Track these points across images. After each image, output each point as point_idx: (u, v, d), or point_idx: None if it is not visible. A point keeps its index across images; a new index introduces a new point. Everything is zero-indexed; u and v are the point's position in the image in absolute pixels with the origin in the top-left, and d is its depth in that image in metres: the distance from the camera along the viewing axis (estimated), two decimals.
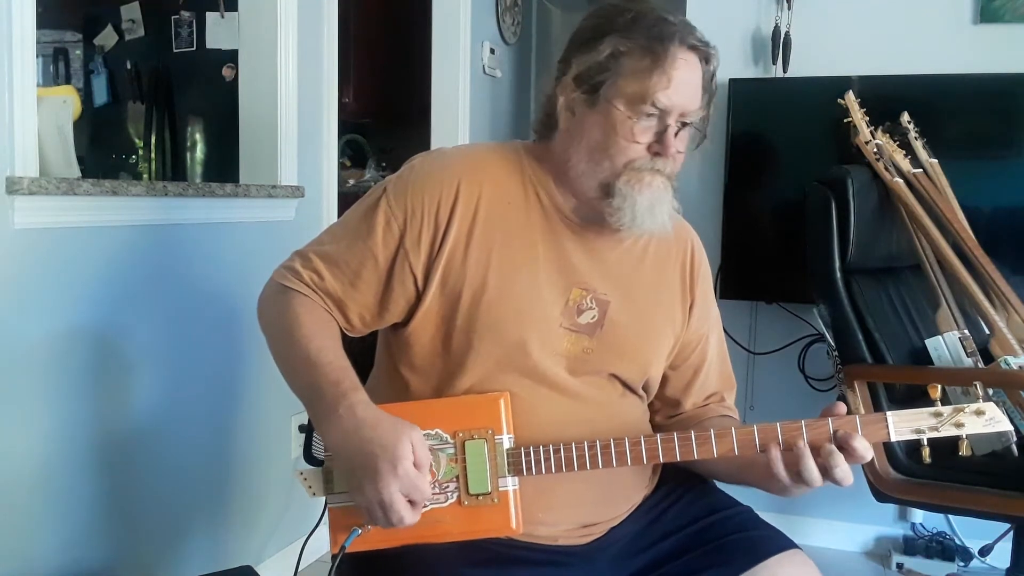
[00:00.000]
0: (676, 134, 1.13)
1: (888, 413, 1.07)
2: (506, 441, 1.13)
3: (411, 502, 1.05)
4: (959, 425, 1.07)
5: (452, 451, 1.12)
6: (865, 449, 1.05)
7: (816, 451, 1.06)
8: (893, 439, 1.08)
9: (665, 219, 1.15)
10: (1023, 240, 2.40)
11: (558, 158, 1.20)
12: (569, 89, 1.16)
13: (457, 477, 1.12)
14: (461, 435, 1.13)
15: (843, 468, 1.04)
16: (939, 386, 1.08)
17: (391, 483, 1.02)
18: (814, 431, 1.07)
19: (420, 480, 1.04)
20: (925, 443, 1.08)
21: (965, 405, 1.07)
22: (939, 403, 1.08)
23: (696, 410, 1.33)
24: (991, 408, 1.07)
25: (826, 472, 1.05)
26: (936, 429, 1.07)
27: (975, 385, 1.09)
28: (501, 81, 3.75)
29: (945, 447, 1.06)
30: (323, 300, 1.19)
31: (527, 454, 1.12)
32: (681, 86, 1.11)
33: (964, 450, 1.09)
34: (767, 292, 2.70)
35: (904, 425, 1.07)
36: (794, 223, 2.31)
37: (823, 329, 2.16)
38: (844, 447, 1.05)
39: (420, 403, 1.18)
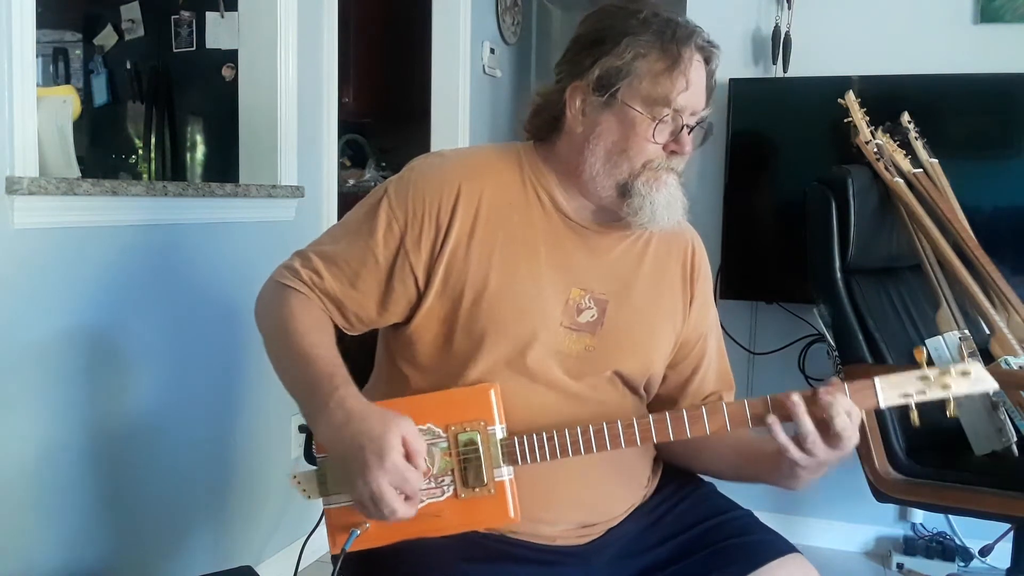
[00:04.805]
0: (689, 132, 1.15)
1: (876, 378, 1.08)
2: (499, 431, 1.13)
3: (405, 496, 1.04)
4: (946, 387, 1.07)
5: (446, 445, 1.12)
6: (850, 405, 1.06)
7: (812, 413, 1.06)
8: (882, 406, 1.08)
9: (680, 215, 1.19)
10: (1023, 240, 2.40)
11: (566, 160, 1.21)
12: (585, 92, 1.16)
13: (452, 470, 1.12)
14: (453, 428, 1.13)
15: (842, 417, 1.04)
16: (924, 349, 1.10)
17: (379, 476, 1.01)
18: (803, 395, 1.08)
19: (409, 472, 1.03)
20: (914, 407, 1.08)
21: (951, 367, 1.08)
22: (925, 366, 1.08)
23: None
24: (977, 368, 1.08)
25: (826, 428, 1.05)
26: (924, 392, 1.08)
27: (961, 346, 1.10)
28: (501, 81, 3.75)
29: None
30: (321, 300, 1.20)
31: (520, 443, 1.12)
32: (694, 87, 1.14)
33: (952, 411, 1.09)
34: (767, 292, 2.70)
35: (892, 390, 1.08)
36: (794, 223, 2.30)
37: (823, 329, 2.16)
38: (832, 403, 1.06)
39: (410, 399, 1.17)
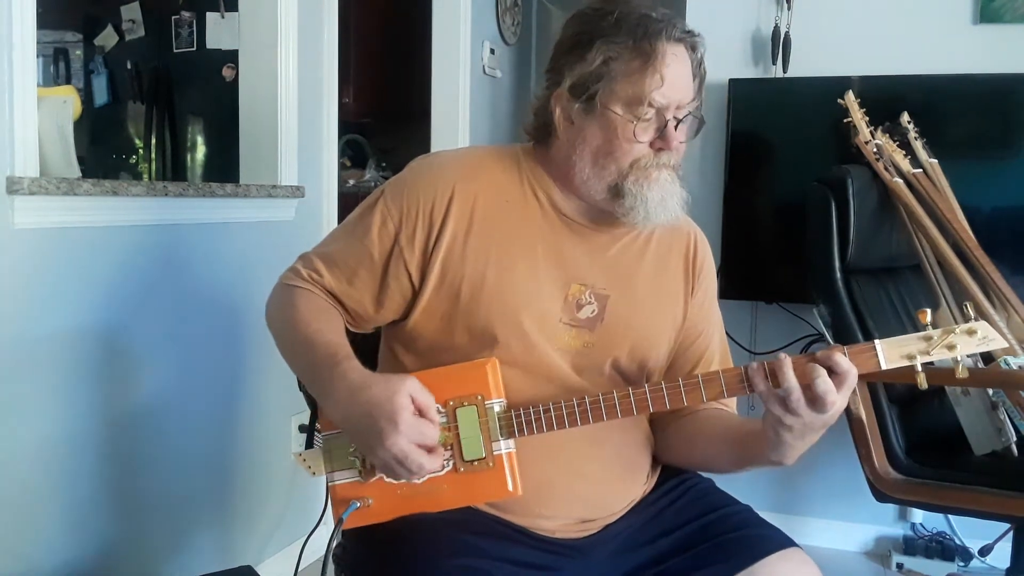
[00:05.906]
0: (675, 127, 1.14)
1: (877, 341, 1.04)
2: (496, 405, 1.13)
3: (428, 450, 1.06)
4: (951, 347, 1.02)
5: (444, 420, 1.13)
6: (848, 366, 1.02)
7: (800, 376, 1.03)
8: (884, 367, 1.03)
9: (677, 210, 1.18)
10: (1023, 240, 2.40)
11: (560, 164, 1.21)
12: (564, 99, 1.17)
13: (452, 445, 1.13)
14: (452, 403, 1.13)
15: (824, 379, 1.01)
16: (928, 311, 1.05)
17: (397, 438, 1.03)
18: (799, 360, 1.05)
19: (425, 425, 1.05)
20: (919, 369, 1.03)
21: (955, 326, 1.02)
22: (929, 327, 1.04)
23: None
24: (983, 327, 1.02)
25: (809, 390, 1.02)
26: (927, 353, 1.03)
27: (966, 305, 1.06)
28: (501, 81, 3.75)
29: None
30: (324, 295, 1.22)
31: (518, 416, 1.13)
32: (674, 81, 1.13)
33: (960, 372, 1.03)
34: (767, 292, 2.70)
35: (894, 352, 1.04)
36: (794, 223, 2.31)
37: (823, 329, 2.16)
38: (828, 366, 1.03)
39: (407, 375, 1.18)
